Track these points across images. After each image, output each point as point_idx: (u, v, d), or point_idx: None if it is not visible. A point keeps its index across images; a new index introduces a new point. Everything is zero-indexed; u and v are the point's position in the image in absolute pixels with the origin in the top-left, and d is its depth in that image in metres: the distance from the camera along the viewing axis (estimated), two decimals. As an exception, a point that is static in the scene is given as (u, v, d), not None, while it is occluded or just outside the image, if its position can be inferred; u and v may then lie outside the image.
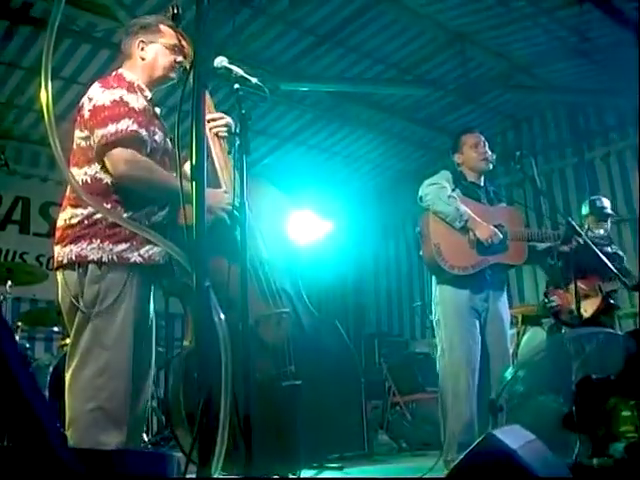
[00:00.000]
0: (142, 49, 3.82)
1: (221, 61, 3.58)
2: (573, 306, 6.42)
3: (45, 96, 2.38)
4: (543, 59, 10.11)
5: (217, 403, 2.14)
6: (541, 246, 6.15)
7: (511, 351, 6.06)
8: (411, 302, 12.71)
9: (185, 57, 3.86)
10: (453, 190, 5.49)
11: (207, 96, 3.74)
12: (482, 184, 5.71)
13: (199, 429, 1.94)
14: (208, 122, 3.69)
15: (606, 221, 6.11)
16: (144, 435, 6.75)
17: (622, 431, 5.15)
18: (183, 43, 3.82)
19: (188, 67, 3.77)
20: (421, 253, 5.63)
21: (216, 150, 3.78)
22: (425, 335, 11.46)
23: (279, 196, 4.12)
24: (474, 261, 5.34)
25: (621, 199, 11.03)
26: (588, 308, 6.51)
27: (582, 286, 6.48)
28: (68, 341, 7.11)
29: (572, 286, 6.35)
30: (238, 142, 3.22)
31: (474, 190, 5.62)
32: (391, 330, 13.58)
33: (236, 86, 3.47)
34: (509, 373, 4.13)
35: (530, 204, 9.78)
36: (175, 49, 3.83)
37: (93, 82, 3.65)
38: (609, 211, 6.94)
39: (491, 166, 5.68)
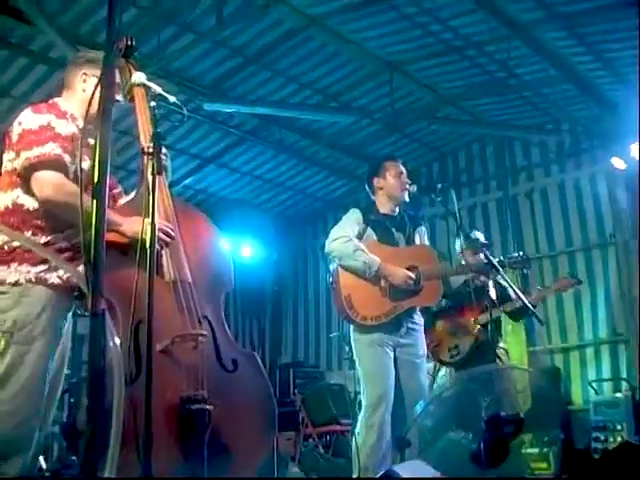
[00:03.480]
0: (84, 81, 3.87)
1: (139, 77, 3.58)
2: (450, 344, 6.65)
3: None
4: (471, 92, 10.30)
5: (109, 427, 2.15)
6: (457, 282, 6.25)
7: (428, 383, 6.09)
8: (329, 332, 12.71)
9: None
10: (364, 230, 5.59)
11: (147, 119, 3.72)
12: (396, 213, 5.76)
13: (86, 454, 1.95)
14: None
15: (481, 252, 6.16)
16: (42, 462, 6.62)
17: (533, 468, 5.23)
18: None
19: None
20: (334, 303, 5.73)
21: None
22: (341, 366, 11.45)
23: (207, 223, 4.13)
24: (387, 309, 5.40)
25: (543, 236, 11.29)
26: (466, 344, 6.60)
27: (456, 321, 6.69)
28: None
29: (441, 323, 6.70)
30: (151, 162, 3.18)
31: (385, 225, 5.67)
32: (307, 360, 13.58)
33: (152, 104, 3.46)
34: (419, 407, 4.17)
35: (453, 237, 9.91)
36: (116, 87, 3.81)
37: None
38: (485, 241, 7.05)
39: (407, 198, 5.71)
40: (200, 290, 3.73)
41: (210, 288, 3.86)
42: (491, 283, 6.57)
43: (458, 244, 7.00)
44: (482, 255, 5.85)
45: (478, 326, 6.55)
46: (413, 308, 5.56)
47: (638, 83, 8.38)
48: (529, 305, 5.66)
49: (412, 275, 5.37)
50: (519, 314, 6.63)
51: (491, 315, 5.76)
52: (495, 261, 5.63)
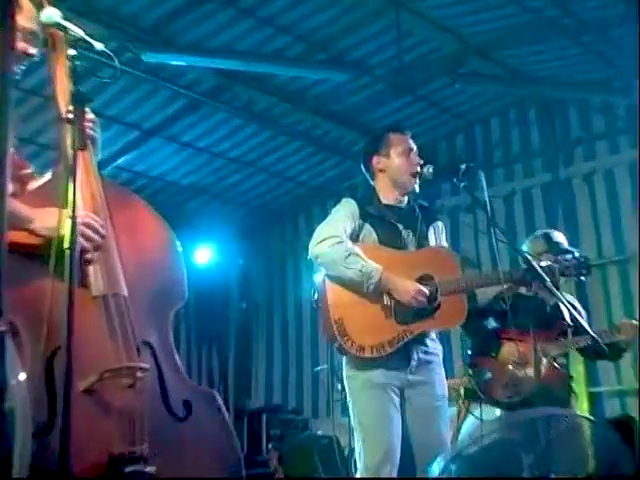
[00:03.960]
0: None
1: (52, 15, 3.53)
2: (508, 378, 6.50)
3: None
4: (508, 38, 10.22)
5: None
6: (486, 297, 6.20)
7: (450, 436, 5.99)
8: (314, 365, 12.52)
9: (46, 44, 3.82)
10: (360, 228, 5.56)
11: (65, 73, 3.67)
12: (404, 204, 5.75)
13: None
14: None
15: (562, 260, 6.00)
16: None
17: None
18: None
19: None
20: (321, 329, 5.69)
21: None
22: (330, 412, 11.37)
23: (150, 216, 4.09)
24: (392, 334, 5.31)
25: (607, 233, 11.27)
26: (529, 381, 6.43)
27: (520, 349, 6.40)
28: None
29: (509, 349, 6.52)
30: (71, 133, 3.15)
31: (389, 221, 5.63)
32: (285, 404, 13.55)
33: (71, 52, 3.43)
34: (437, 467, 4.13)
35: (484, 236, 9.80)
36: (29, 37, 3.75)
37: None
38: (568, 247, 6.90)
39: (417, 187, 5.67)
40: (140, 307, 3.68)
41: (154, 304, 3.82)
42: (566, 299, 6.25)
43: (529, 244, 6.92)
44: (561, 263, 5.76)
45: (546, 359, 6.45)
46: (426, 333, 5.51)
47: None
48: (594, 335, 5.59)
49: (425, 290, 5.31)
50: (598, 354, 6.48)
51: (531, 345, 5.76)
52: (542, 265, 5.54)
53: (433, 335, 5.61)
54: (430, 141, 9.53)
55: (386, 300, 5.36)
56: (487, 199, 5.44)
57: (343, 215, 5.58)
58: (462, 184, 5.44)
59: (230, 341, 14.01)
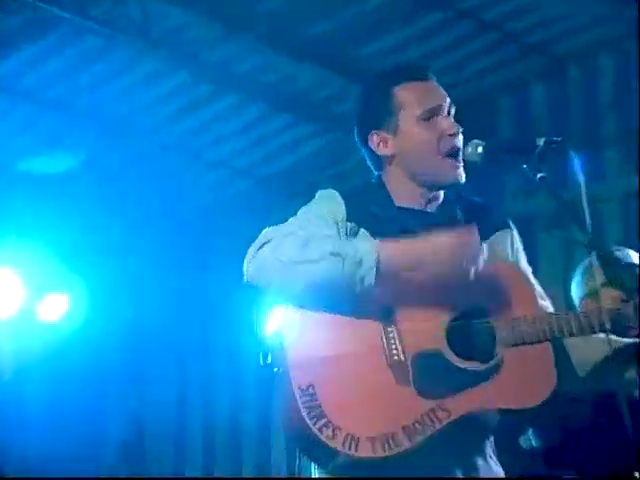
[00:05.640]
0: None
1: None
2: None
3: None
4: None
5: None
6: (589, 358, 4.93)
7: None
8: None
9: None
10: (350, 235, 4.65)
11: None
12: (437, 206, 4.86)
13: None
14: None
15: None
16: None
17: None
18: None
19: None
20: (277, 412, 4.91)
21: None
22: None
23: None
24: (413, 415, 4.25)
25: None
26: None
27: None
28: None
29: None
30: None
31: (409, 229, 4.60)
32: None
33: None
34: None
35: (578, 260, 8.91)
36: None
37: None
38: None
39: (462, 175, 4.75)
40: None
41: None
42: None
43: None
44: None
45: None
46: (479, 415, 4.45)
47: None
48: None
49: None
50: None
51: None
52: None
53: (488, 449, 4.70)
54: (480, 96, 8.94)
55: (395, 348, 4.43)
56: (585, 201, 4.43)
57: (315, 214, 4.78)
58: (539, 175, 4.57)
59: (107, 453, 13.36)
